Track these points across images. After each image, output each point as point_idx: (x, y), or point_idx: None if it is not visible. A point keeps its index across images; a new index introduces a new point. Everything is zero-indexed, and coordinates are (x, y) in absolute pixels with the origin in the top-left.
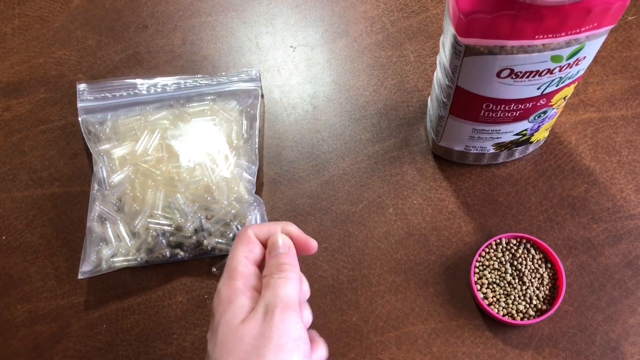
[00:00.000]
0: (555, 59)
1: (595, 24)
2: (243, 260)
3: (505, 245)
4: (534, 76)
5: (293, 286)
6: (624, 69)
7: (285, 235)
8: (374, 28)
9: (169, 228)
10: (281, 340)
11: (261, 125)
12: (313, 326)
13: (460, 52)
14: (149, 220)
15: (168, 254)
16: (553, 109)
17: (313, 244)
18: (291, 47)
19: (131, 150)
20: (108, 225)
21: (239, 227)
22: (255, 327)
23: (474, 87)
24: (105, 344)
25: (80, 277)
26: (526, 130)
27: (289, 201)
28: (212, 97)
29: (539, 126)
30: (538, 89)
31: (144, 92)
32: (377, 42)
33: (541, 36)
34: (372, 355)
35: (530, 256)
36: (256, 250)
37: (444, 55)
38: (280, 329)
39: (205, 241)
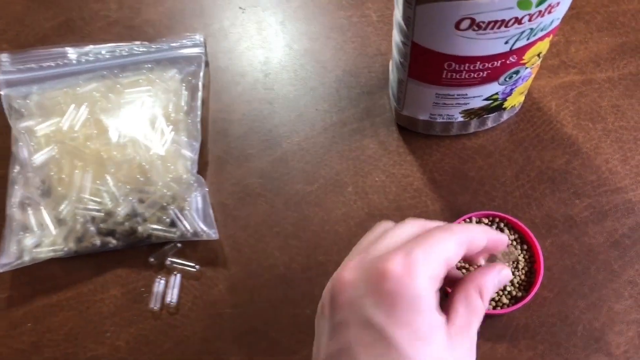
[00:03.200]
0: (522, 4)
1: None
2: (443, 264)
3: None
4: (499, 27)
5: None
6: (610, 26)
7: None
8: None
9: (99, 214)
10: None
11: (205, 96)
12: (262, 319)
13: (412, 0)
14: (76, 205)
15: (98, 242)
16: (526, 68)
17: (506, 240)
18: (240, 8)
19: (57, 126)
20: (30, 211)
21: (177, 211)
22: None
23: (431, 42)
24: (30, 345)
25: None
26: (497, 94)
27: (237, 181)
28: (150, 65)
29: (512, 89)
30: (506, 43)
31: (75, 62)
32: (335, 1)
33: None
34: None
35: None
36: (458, 259)
37: (397, 7)
38: None
39: (139, 228)
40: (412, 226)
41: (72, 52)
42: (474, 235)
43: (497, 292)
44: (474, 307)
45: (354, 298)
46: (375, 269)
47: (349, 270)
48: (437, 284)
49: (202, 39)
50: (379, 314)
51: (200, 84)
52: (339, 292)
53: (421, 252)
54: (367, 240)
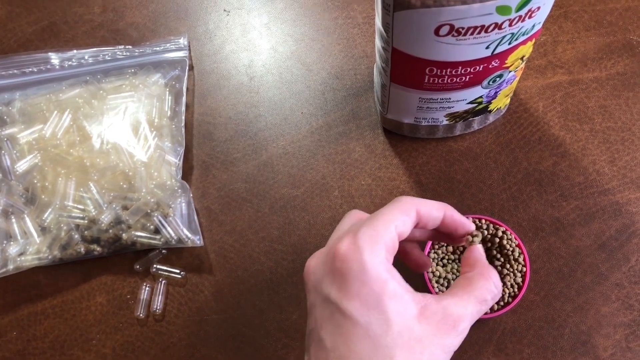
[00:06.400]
0: (501, 10)
1: None
2: (393, 232)
3: None
4: (479, 32)
5: (481, 311)
6: (598, 25)
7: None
8: None
9: (82, 221)
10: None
11: (189, 100)
12: (248, 324)
13: (389, 6)
14: (60, 213)
15: (83, 250)
16: (510, 71)
17: (471, 228)
18: (225, 10)
19: (39, 133)
20: (13, 219)
21: (161, 218)
22: (429, 332)
23: (411, 48)
24: (15, 353)
25: None
26: (481, 97)
27: (222, 186)
28: (133, 70)
29: (496, 92)
30: (487, 48)
31: (57, 67)
32: (321, 2)
33: None
34: None
35: (499, 235)
36: (408, 226)
37: (377, 13)
38: (450, 349)
39: (124, 235)
40: (357, 212)
41: (55, 58)
42: (423, 206)
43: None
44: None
45: (316, 281)
46: (329, 252)
47: (313, 259)
48: (390, 252)
49: (186, 42)
50: (333, 290)
51: (184, 88)
52: (307, 279)
53: (366, 229)
54: (335, 232)
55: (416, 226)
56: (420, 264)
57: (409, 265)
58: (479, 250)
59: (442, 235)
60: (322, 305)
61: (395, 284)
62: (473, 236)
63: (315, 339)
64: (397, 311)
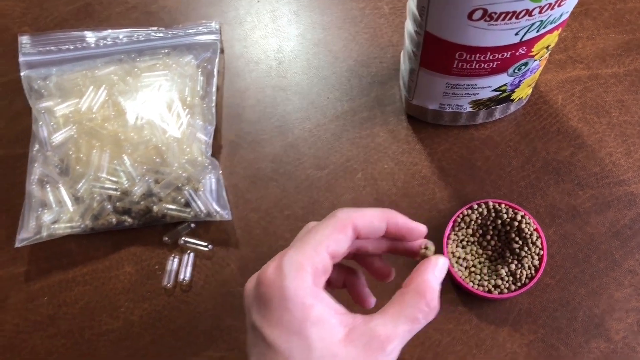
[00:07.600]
0: None
1: None
2: (323, 253)
3: (482, 211)
4: (510, 18)
5: (413, 330)
6: (617, 23)
7: (445, 259)
8: None
9: (115, 192)
10: None
11: (220, 82)
12: None
13: None
14: (93, 184)
15: (114, 220)
16: (535, 60)
17: (421, 230)
18: None
19: (75, 107)
20: (48, 188)
21: (191, 192)
22: (354, 355)
23: (444, 32)
24: (46, 317)
25: (17, 245)
26: (506, 85)
27: (249, 165)
28: (166, 50)
29: (520, 81)
30: (516, 34)
31: (93, 46)
32: None
33: None
34: None
35: (517, 219)
36: (343, 244)
37: None
38: None
39: (155, 207)
40: (313, 224)
41: (90, 36)
42: (361, 219)
43: (506, 279)
44: (409, 315)
45: (248, 306)
46: (257, 277)
47: (249, 281)
48: (318, 276)
49: (217, 27)
50: (258, 318)
51: (215, 70)
52: (244, 302)
53: (292, 253)
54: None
55: (359, 237)
56: (385, 274)
57: (374, 277)
58: (425, 263)
59: (400, 247)
60: (250, 331)
61: (321, 309)
62: (425, 248)
63: None
64: (320, 337)
